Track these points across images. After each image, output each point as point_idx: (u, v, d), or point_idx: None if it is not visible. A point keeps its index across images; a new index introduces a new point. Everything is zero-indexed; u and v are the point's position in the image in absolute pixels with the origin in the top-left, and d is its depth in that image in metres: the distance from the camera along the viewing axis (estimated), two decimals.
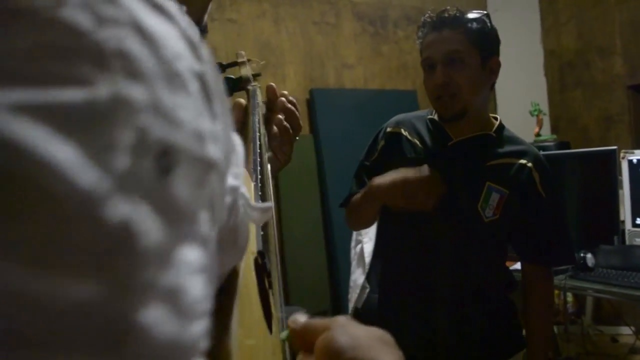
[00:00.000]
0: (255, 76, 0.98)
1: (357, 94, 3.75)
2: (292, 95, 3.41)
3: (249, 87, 0.92)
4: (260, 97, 0.92)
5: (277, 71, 3.58)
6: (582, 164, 2.53)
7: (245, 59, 0.99)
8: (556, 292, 2.75)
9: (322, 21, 3.76)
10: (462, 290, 1.32)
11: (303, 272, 3.38)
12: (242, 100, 0.87)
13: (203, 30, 0.58)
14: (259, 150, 0.71)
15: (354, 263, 2.60)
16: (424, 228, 1.34)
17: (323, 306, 3.36)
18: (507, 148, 1.36)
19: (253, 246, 0.54)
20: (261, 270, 0.55)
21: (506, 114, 4.24)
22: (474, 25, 1.29)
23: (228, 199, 0.35)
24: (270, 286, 0.59)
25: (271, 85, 0.87)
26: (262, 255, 0.55)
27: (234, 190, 0.36)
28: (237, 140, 0.40)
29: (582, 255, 2.20)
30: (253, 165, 0.67)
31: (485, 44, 1.31)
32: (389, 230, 1.49)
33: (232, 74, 0.98)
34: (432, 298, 1.32)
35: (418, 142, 1.40)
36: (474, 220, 1.30)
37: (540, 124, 3.13)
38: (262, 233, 0.56)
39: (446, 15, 1.30)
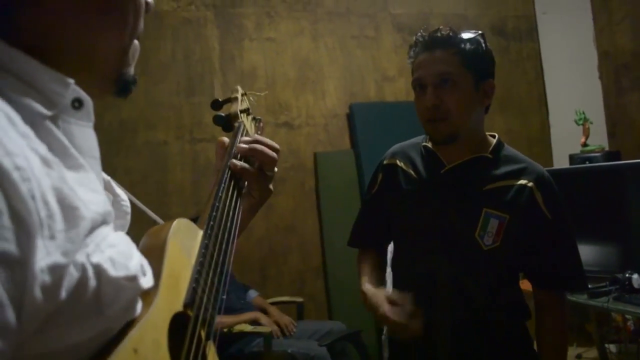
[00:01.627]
0: (244, 112, 0.97)
1: (399, 106, 3.70)
2: (333, 110, 3.44)
3: (235, 124, 0.91)
4: (245, 132, 0.89)
5: (316, 87, 3.60)
6: (630, 176, 2.36)
7: (239, 94, 0.99)
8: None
9: (361, 35, 3.75)
10: (464, 323, 1.27)
11: (345, 287, 3.36)
12: (225, 139, 0.85)
13: (130, 82, 0.60)
14: (220, 195, 0.71)
15: (388, 282, 2.56)
16: (424, 260, 1.30)
17: (365, 323, 3.33)
18: (505, 169, 1.29)
19: (174, 303, 0.54)
20: (190, 324, 0.55)
21: (559, 120, 4.05)
22: (468, 46, 1.24)
23: (45, 279, 0.37)
24: (209, 337, 0.59)
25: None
26: (190, 308, 0.55)
27: (57, 268, 0.39)
28: (83, 214, 0.43)
29: (627, 275, 2.07)
30: (209, 212, 0.68)
31: (478, 65, 1.26)
32: (396, 260, 1.46)
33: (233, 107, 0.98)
34: (434, 331, 1.28)
35: (412, 173, 1.36)
36: (472, 250, 1.24)
37: (586, 133, 2.96)
38: (193, 286, 0.56)
39: (439, 34, 1.26)
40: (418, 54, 1.29)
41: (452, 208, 1.28)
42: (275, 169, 0.83)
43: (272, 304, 3.06)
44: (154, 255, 0.55)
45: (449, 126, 1.24)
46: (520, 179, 1.26)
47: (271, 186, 0.84)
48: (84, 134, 0.50)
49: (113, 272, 0.44)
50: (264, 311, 2.95)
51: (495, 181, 1.27)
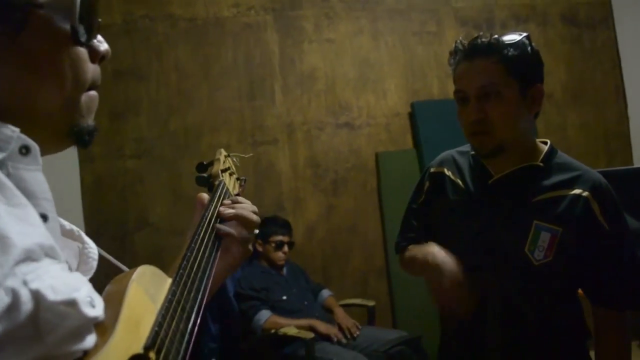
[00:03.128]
0: (225, 171, 1.00)
1: None
2: (394, 109, 3.36)
3: (216, 183, 0.95)
4: (226, 191, 0.92)
5: (377, 86, 3.55)
6: None
7: (221, 156, 1.04)
8: None
9: (423, 31, 3.66)
10: (517, 344, 1.19)
11: (409, 291, 3.30)
12: (205, 195, 0.88)
13: (85, 134, 0.60)
14: (193, 245, 0.72)
15: None
16: (471, 277, 1.22)
17: (428, 328, 3.24)
18: (557, 178, 1.19)
19: (132, 345, 0.53)
20: None
21: (638, 113, 3.78)
22: (511, 51, 1.14)
23: None
24: None
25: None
26: (152, 350, 0.54)
27: None
28: (14, 243, 0.45)
29: None
30: (180, 261, 0.68)
31: (524, 71, 1.16)
32: None
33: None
34: (485, 352, 1.20)
35: (460, 182, 1.29)
36: (522, 265, 1.16)
37: None
38: (156, 329, 0.55)
39: (479, 42, 1.17)
40: (458, 62, 1.21)
41: (500, 221, 1.20)
42: (256, 231, 0.84)
43: (343, 306, 3.02)
44: (115, 299, 0.55)
45: (494, 140, 1.16)
46: (574, 189, 1.17)
47: (250, 246, 0.83)
48: (35, 178, 0.53)
49: (52, 296, 0.45)
50: (331, 312, 2.94)
51: (547, 191, 1.18)
